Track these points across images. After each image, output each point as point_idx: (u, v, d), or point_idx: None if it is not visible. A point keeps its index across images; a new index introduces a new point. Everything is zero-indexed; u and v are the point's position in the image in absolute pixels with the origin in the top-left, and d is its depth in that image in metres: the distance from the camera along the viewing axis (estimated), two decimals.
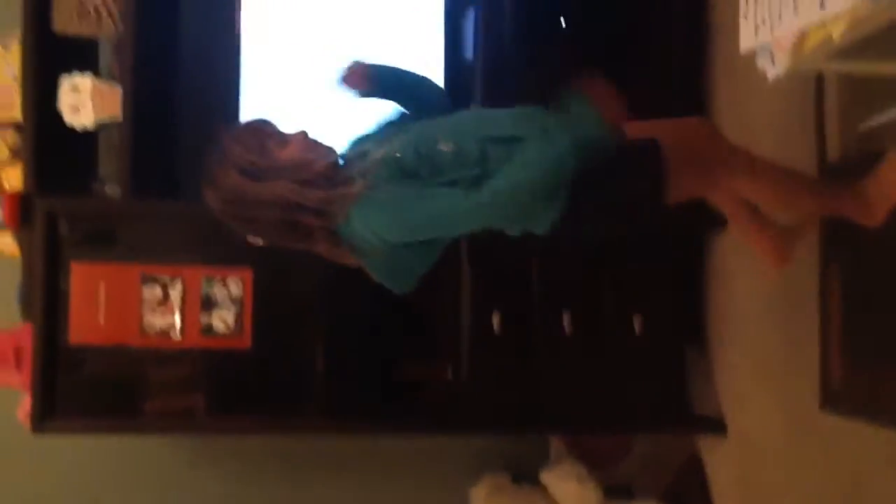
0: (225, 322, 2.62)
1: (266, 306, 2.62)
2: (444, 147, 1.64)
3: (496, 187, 1.59)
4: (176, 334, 2.61)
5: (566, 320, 2.60)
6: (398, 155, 1.64)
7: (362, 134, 1.79)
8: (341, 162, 1.70)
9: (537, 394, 2.61)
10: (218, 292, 2.63)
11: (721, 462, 2.68)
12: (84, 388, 2.59)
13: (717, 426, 2.63)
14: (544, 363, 2.60)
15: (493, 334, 2.61)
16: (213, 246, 2.62)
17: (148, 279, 2.60)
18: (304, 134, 1.68)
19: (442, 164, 1.63)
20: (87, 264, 2.58)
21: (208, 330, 2.62)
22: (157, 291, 2.60)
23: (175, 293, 2.61)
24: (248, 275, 2.63)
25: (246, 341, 2.62)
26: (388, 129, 1.78)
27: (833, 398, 2.06)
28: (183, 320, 2.61)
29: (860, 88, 1.99)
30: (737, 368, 2.58)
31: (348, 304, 2.64)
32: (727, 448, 2.62)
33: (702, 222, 2.70)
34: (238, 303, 2.63)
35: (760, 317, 2.45)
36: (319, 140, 1.69)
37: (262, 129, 1.69)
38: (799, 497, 2.22)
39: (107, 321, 2.58)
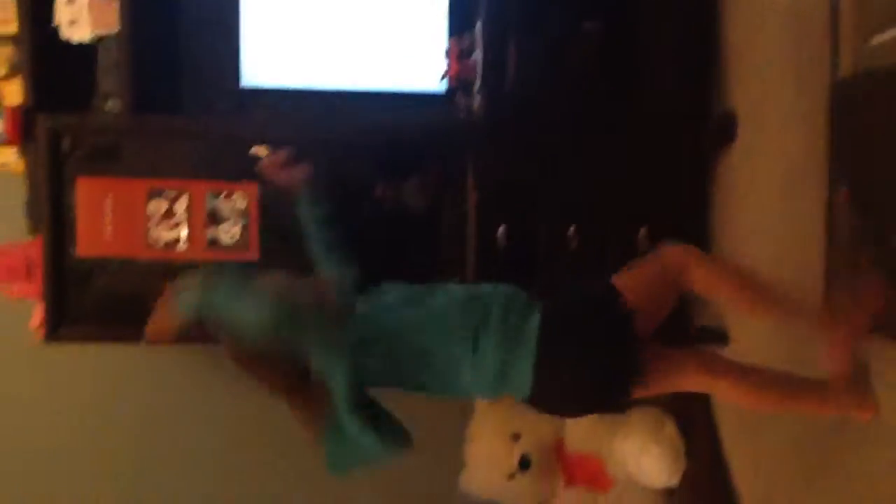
0: (231, 235, 2.64)
1: (272, 219, 2.63)
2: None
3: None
4: (182, 247, 2.63)
5: (571, 234, 2.60)
6: None
7: None
8: None
9: None
10: (223, 206, 2.63)
11: None
12: (94, 299, 2.63)
13: (719, 337, 2.67)
14: (548, 277, 2.62)
15: (497, 247, 2.62)
16: (218, 161, 2.61)
17: (153, 193, 2.61)
18: None
19: None
20: (92, 179, 2.58)
21: (214, 243, 2.64)
22: (163, 205, 2.61)
23: (180, 207, 2.62)
24: (254, 189, 2.63)
25: (253, 254, 2.65)
26: None
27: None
28: (189, 233, 2.63)
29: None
30: None
31: (353, 218, 2.64)
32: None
33: (710, 136, 2.67)
34: (244, 216, 2.64)
35: (766, 233, 2.44)
36: None
37: None
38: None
39: (113, 235, 2.60)
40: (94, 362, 3.18)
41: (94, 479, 3.28)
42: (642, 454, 2.84)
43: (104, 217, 2.59)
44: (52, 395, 3.23)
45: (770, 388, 1.89)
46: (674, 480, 2.87)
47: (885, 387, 1.87)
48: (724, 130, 2.63)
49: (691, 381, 1.90)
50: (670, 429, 2.86)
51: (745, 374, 1.89)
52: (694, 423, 2.86)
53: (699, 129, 2.66)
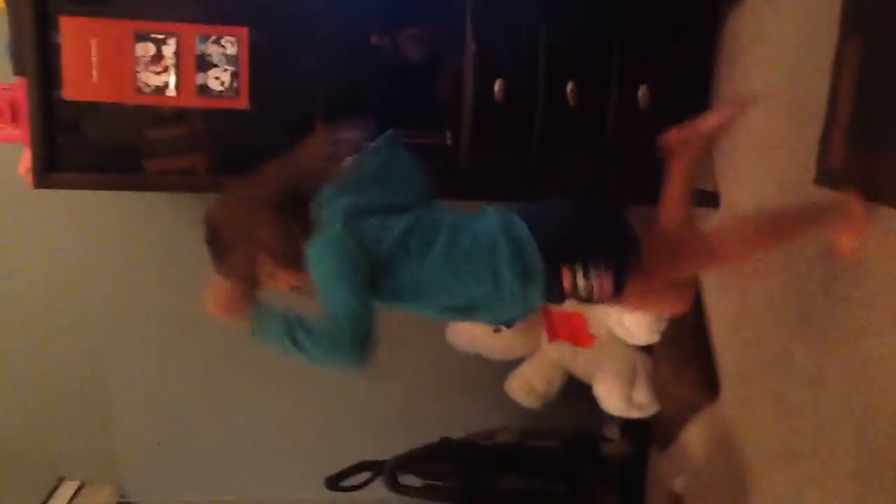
0: (221, 81, 2.57)
1: (264, 66, 2.56)
2: None
3: None
4: (171, 92, 2.56)
5: (570, 90, 2.56)
6: None
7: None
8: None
9: (536, 164, 2.62)
10: (213, 51, 2.55)
11: None
12: (82, 145, 2.57)
13: (711, 199, 2.69)
14: (544, 134, 2.59)
15: (494, 102, 2.57)
16: (207, 3, 2.51)
17: (140, 36, 2.52)
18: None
19: None
20: (76, 19, 2.48)
21: (204, 89, 2.57)
22: (151, 48, 2.53)
23: (169, 50, 2.53)
24: (244, 33, 2.54)
25: (243, 102, 2.59)
26: None
27: (829, 174, 2.10)
28: (178, 78, 2.56)
29: None
30: (737, 146, 2.59)
31: (349, 69, 2.58)
32: (719, 219, 2.70)
33: None
34: (234, 61, 2.56)
35: (769, 100, 2.42)
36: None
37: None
38: (782, 278, 2.33)
39: (100, 78, 2.52)
40: (83, 208, 3.17)
41: (76, 324, 3.34)
42: (625, 313, 2.92)
43: (90, 59, 2.51)
44: (41, 241, 3.24)
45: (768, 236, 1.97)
46: (654, 338, 2.96)
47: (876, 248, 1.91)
48: None
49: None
50: None
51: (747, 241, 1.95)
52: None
53: None
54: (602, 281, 1.70)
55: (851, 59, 2.01)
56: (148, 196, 3.04)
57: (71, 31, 2.48)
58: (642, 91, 2.56)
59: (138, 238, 3.25)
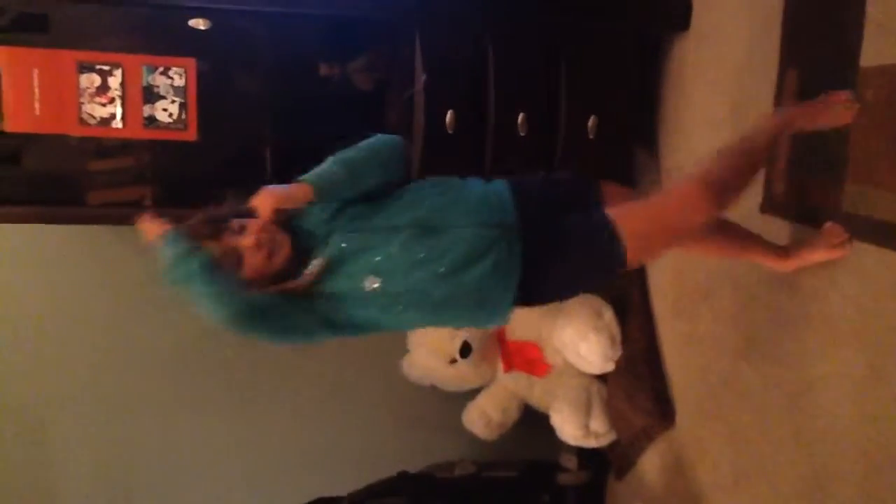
0: (169, 113, 2.54)
1: (212, 97, 2.53)
2: (368, 284, 1.63)
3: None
4: (118, 124, 2.52)
5: (521, 121, 2.57)
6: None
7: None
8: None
9: None
10: (160, 82, 2.52)
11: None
12: (26, 178, 2.53)
13: None
14: (497, 162, 2.60)
15: (446, 133, 2.58)
16: (153, 34, 2.49)
17: (84, 66, 2.47)
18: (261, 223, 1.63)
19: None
20: (16, 49, 2.43)
21: (151, 121, 2.54)
22: (96, 79, 2.48)
23: (115, 81, 2.50)
24: (192, 64, 2.52)
25: (192, 133, 2.56)
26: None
27: (774, 201, 2.13)
28: (124, 110, 2.52)
29: None
30: (681, 169, 2.63)
31: (298, 100, 2.57)
32: None
33: (663, 23, 2.64)
34: (182, 93, 2.53)
35: (713, 126, 2.46)
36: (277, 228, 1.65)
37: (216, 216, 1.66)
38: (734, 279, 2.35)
39: (43, 110, 2.47)
40: (22, 242, 3.08)
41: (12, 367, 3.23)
42: (581, 341, 2.92)
43: (32, 90, 2.45)
44: None
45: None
46: (608, 367, 2.97)
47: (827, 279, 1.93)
48: (678, 18, 2.60)
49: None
50: (608, 316, 2.94)
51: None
52: (631, 310, 2.94)
53: (652, 16, 2.63)
54: None
55: (790, 89, 2.05)
56: (92, 229, 2.98)
57: (11, 61, 2.43)
58: (592, 121, 2.58)
59: (81, 273, 3.17)
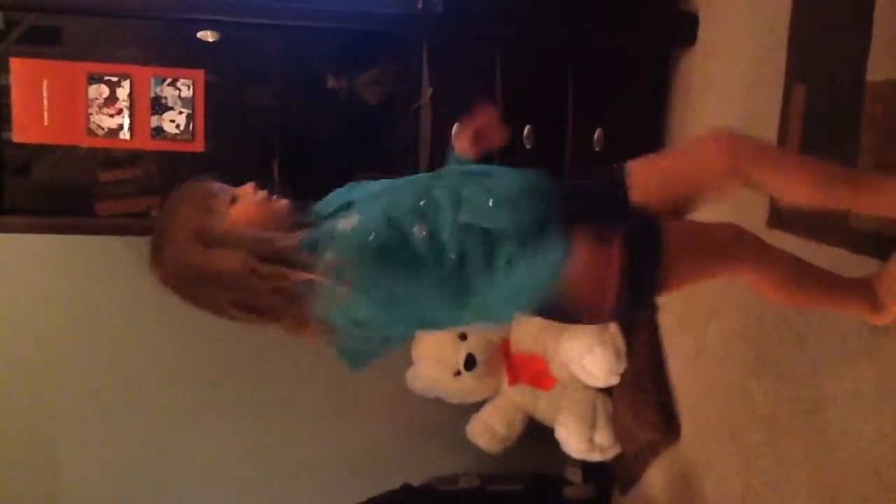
0: (176, 124, 2.55)
1: (219, 109, 2.55)
2: (417, 231, 1.39)
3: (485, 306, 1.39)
4: (125, 135, 2.54)
5: (527, 133, 2.57)
6: (371, 238, 1.37)
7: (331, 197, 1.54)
8: (304, 233, 1.42)
9: None
10: (168, 93, 2.53)
11: None
12: (34, 188, 2.54)
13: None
14: None
15: (451, 145, 2.57)
16: (162, 46, 2.50)
17: (94, 78, 2.49)
18: (252, 188, 1.47)
19: (417, 249, 1.38)
20: (27, 60, 2.45)
21: (159, 132, 2.55)
22: (104, 90, 2.50)
23: (123, 92, 2.51)
24: (200, 76, 2.53)
25: (199, 144, 2.57)
26: (357, 191, 1.53)
27: (781, 215, 2.12)
28: (132, 121, 2.53)
29: None
30: None
31: (306, 112, 2.58)
32: None
33: (670, 37, 2.65)
34: (189, 104, 2.55)
35: None
36: (271, 198, 1.47)
37: (206, 188, 1.49)
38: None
39: (52, 120, 2.49)
40: (32, 253, 3.10)
41: (26, 369, 3.23)
42: (586, 354, 2.91)
43: (42, 101, 2.47)
44: None
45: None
46: (613, 380, 2.96)
47: None
48: (685, 31, 2.61)
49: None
50: (614, 330, 2.93)
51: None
52: (637, 323, 2.93)
53: (659, 30, 2.64)
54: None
55: (797, 104, 2.05)
56: (100, 240, 2.98)
57: (21, 72, 2.45)
58: (597, 134, 2.59)
59: (90, 283, 3.18)
